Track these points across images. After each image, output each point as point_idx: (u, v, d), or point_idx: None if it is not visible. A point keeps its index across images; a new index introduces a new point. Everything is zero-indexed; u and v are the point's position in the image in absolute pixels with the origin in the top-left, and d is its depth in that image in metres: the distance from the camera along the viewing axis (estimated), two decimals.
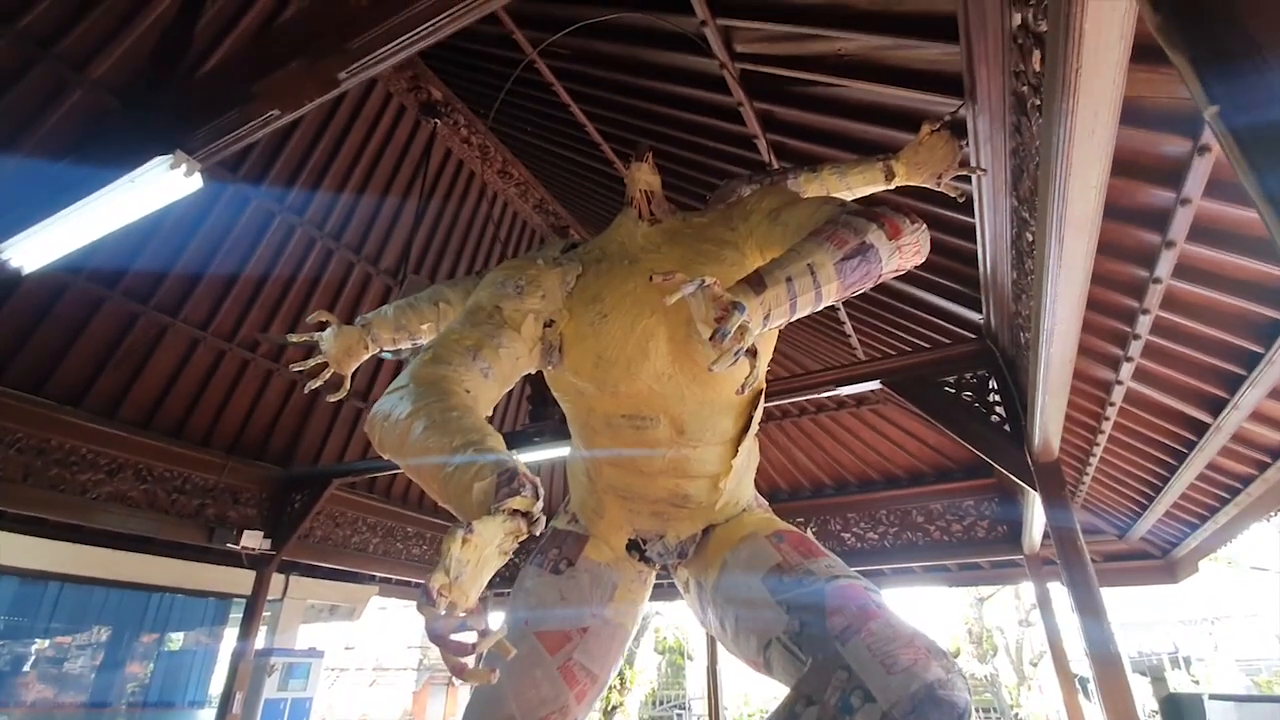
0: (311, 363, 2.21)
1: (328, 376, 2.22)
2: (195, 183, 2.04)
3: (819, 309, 1.38)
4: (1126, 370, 3.09)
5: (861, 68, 2.33)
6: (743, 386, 1.23)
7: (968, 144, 2.13)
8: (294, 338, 2.22)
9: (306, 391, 2.20)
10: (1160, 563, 6.22)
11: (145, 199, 2.11)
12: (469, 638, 0.98)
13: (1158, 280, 2.39)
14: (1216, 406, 3.12)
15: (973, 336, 3.85)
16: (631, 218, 1.85)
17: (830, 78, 2.38)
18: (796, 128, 2.83)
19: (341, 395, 2.21)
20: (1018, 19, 1.54)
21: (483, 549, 1.06)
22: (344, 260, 4.98)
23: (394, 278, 5.24)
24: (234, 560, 5.55)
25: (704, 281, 1.20)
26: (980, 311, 3.58)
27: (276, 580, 6.07)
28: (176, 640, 6.17)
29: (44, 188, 2.23)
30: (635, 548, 1.74)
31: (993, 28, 1.65)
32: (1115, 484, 5.06)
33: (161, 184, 2.05)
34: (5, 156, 2.88)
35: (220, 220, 4.33)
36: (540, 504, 1.11)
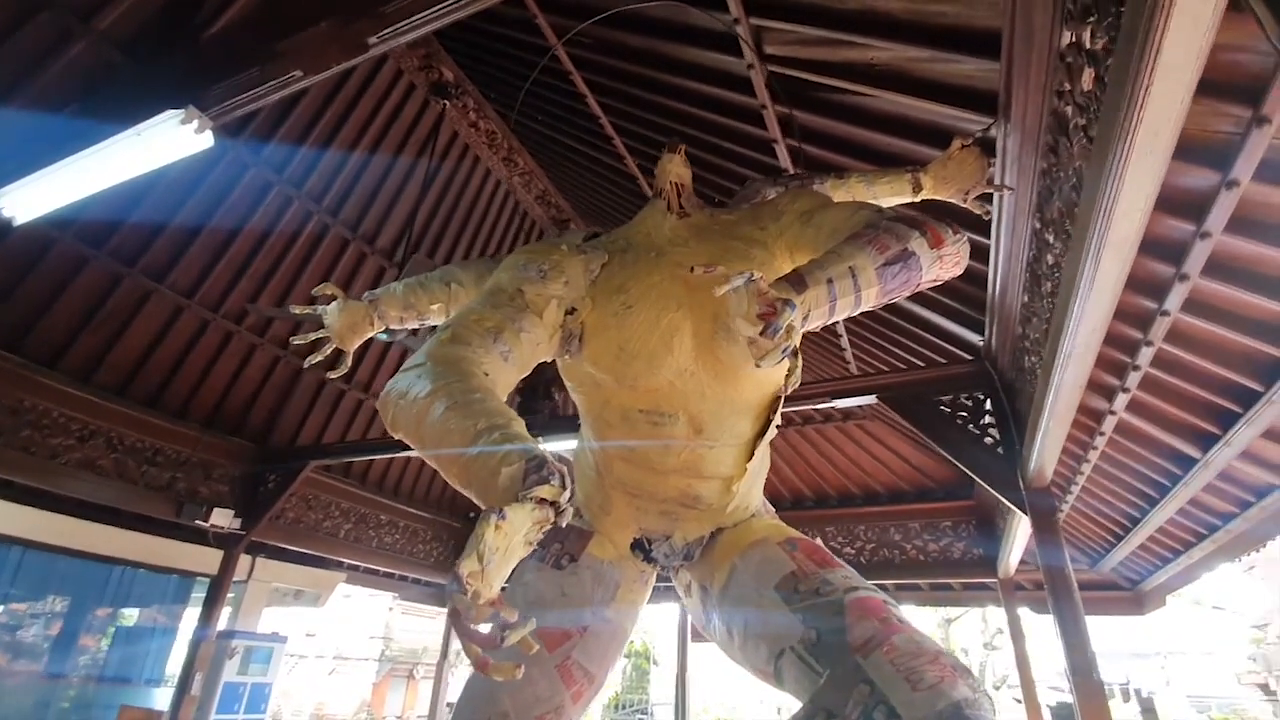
0: (313, 336, 2.15)
1: (328, 352, 2.16)
2: (205, 140, 1.96)
3: (855, 313, 1.35)
4: (1121, 400, 3.11)
5: (892, 78, 2.32)
6: (785, 385, 1.20)
7: (995, 162, 2.12)
8: (297, 309, 2.15)
9: (307, 366, 2.13)
10: (1129, 594, 6.32)
11: (151, 155, 2.02)
12: (494, 629, 0.94)
13: (1165, 313, 2.40)
14: (1208, 443, 3.14)
15: (969, 358, 3.86)
16: (660, 210, 1.82)
17: (860, 86, 2.37)
18: (819, 134, 2.82)
19: (342, 372, 2.14)
20: (1068, 37, 1.53)
21: (512, 537, 1.02)
22: (339, 237, 4.87)
23: (389, 258, 5.14)
24: (201, 538, 5.39)
25: (751, 276, 1.17)
26: (980, 333, 3.60)
27: (243, 561, 5.92)
28: (135, 616, 5.98)
29: (43, 138, 2.13)
30: (640, 547, 1.70)
31: (1039, 44, 1.64)
32: (1094, 514, 5.12)
33: (169, 140, 1.97)
34: (3, 105, 2.76)
35: (215, 186, 4.20)
36: (568, 494, 1.07)
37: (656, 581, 1.79)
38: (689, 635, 6.79)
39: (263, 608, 6.89)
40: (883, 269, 1.30)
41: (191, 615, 5.79)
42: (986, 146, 2.07)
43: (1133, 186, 1.31)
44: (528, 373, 1.61)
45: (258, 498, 5.48)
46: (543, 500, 1.05)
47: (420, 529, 7.39)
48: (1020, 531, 4.41)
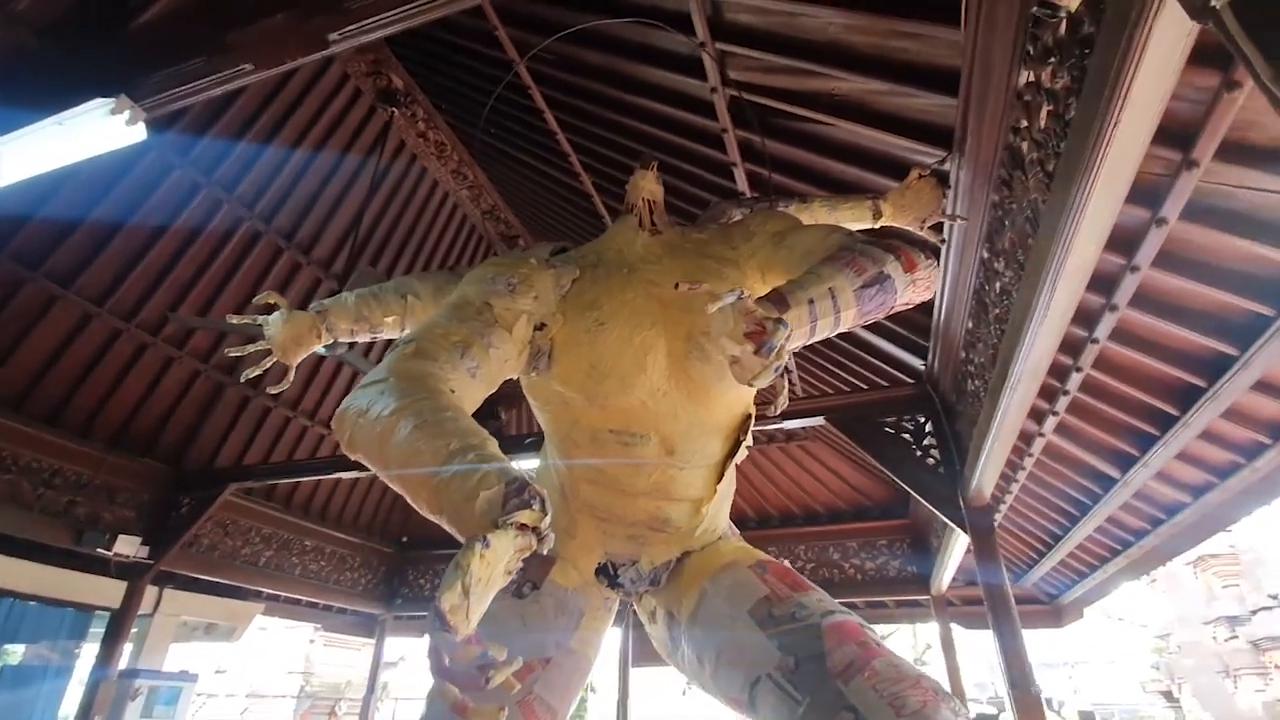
0: (252, 349, 2.01)
1: (268, 365, 2.02)
2: (138, 133, 1.80)
3: (832, 334, 1.36)
4: (1050, 423, 3.29)
5: (851, 109, 2.39)
6: (774, 407, 1.19)
7: (948, 193, 2.21)
8: (234, 319, 2.01)
9: (243, 380, 1.98)
10: (1049, 608, 6.64)
11: (74, 146, 1.84)
12: (475, 670, 0.87)
13: (1095, 340, 2.56)
14: (1127, 463, 3.35)
15: (910, 381, 4.00)
16: (631, 226, 1.80)
17: (821, 115, 2.43)
18: (777, 160, 2.87)
19: (284, 387, 2.01)
20: (1026, 77, 1.61)
21: (494, 566, 0.96)
22: (271, 245, 4.61)
23: (325, 269, 4.90)
24: (102, 568, 4.91)
25: (742, 293, 1.16)
26: (922, 357, 3.74)
27: (149, 593, 5.43)
28: (21, 653, 5.36)
29: None
30: (605, 573, 1.65)
31: (997, 83, 1.72)
32: (1020, 531, 5.38)
33: (97, 130, 1.80)
34: None
35: (136, 185, 3.90)
36: (549, 519, 1.02)
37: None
38: (630, 660, 6.67)
39: (169, 643, 6.33)
40: (860, 291, 1.32)
41: (90, 652, 5.23)
42: (941, 177, 2.16)
43: (1092, 219, 1.39)
44: (494, 390, 1.54)
45: (169, 524, 5.05)
46: (523, 526, 0.99)
47: (349, 555, 7.01)
48: (955, 549, 4.57)
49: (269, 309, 2.01)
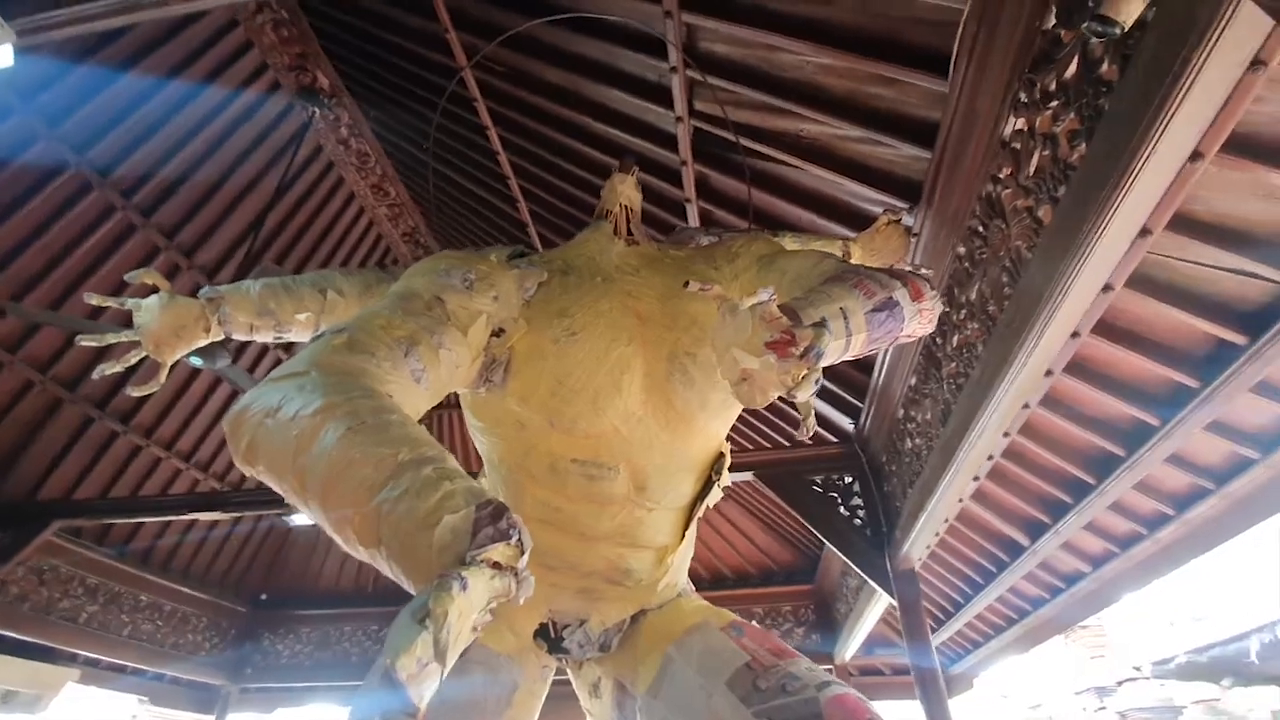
0: (115, 338, 1.63)
1: (134, 360, 1.64)
2: (3, 58, 1.42)
3: (839, 360, 1.22)
4: (970, 488, 3.33)
5: (816, 152, 2.37)
6: (804, 427, 1.02)
7: (913, 243, 2.21)
8: (96, 298, 1.62)
9: (98, 377, 1.58)
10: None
11: None
12: None
13: (1026, 406, 2.61)
14: (1038, 531, 3.42)
15: (835, 440, 3.99)
16: (605, 233, 1.63)
17: (785, 155, 2.40)
18: (731, 199, 2.82)
19: (154, 389, 1.63)
20: (1015, 124, 1.61)
21: (469, 615, 0.70)
22: (148, 242, 4.01)
23: (209, 276, 4.33)
24: None
25: (770, 294, 1.00)
26: (850, 415, 3.73)
27: None
28: None
29: None
30: (546, 635, 1.37)
31: (981, 130, 1.72)
32: (924, 599, 5.44)
33: None
34: None
35: None
36: (526, 558, 0.77)
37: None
38: None
39: None
40: (871, 315, 1.19)
41: None
42: (906, 226, 2.15)
43: (1092, 269, 1.36)
44: (437, 403, 1.28)
45: None
46: (496, 564, 0.74)
47: (193, 614, 6.01)
48: (869, 616, 4.53)
49: (147, 291, 1.64)
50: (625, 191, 1.65)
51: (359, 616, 6.66)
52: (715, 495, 1.55)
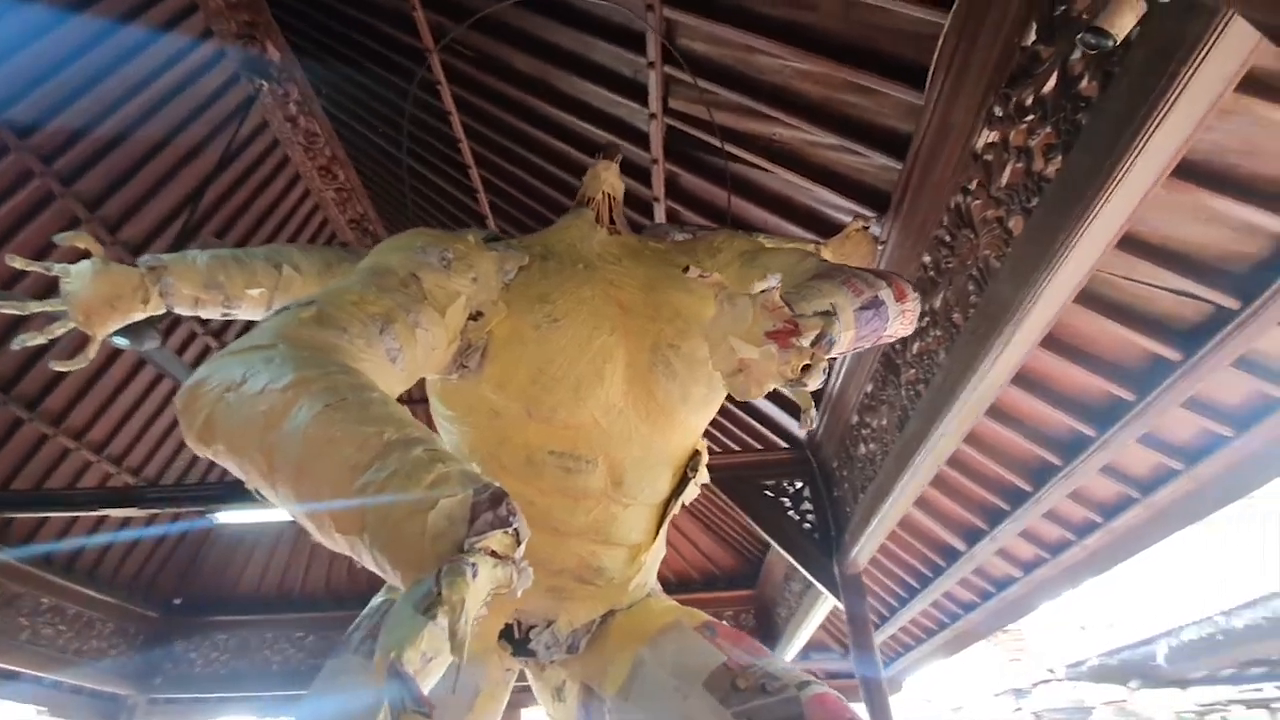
0: (39, 306, 1.49)
1: (60, 333, 1.51)
2: None
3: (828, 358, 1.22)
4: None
5: (787, 157, 2.40)
6: (807, 417, 1.01)
7: (880, 251, 2.26)
8: (20, 262, 1.49)
9: (18, 348, 1.43)
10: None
11: None
12: None
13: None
14: (975, 537, 3.55)
15: (786, 445, 4.05)
16: (588, 220, 1.60)
17: (756, 158, 2.41)
18: (699, 200, 2.82)
19: (79, 365, 1.50)
20: (989, 136, 1.66)
21: (476, 605, 0.66)
22: (67, 212, 3.67)
23: (134, 254, 4.01)
24: None
25: (777, 281, 0.99)
26: (799, 420, 3.78)
27: None
28: None
29: None
30: (510, 636, 1.32)
31: (953, 142, 1.77)
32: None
33: None
34: None
35: None
36: (523, 548, 0.73)
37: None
38: None
39: None
40: (859, 312, 1.20)
41: None
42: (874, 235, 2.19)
43: (1062, 280, 1.41)
44: (409, 387, 1.21)
45: None
46: (493, 554, 0.69)
47: (99, 619, 5.54)
48: (811, 620, 4.60)
49: (79, 255, 1.51)
50: (609, 179, 1.62)
51: (283, 623, 6.30)
52: (691, 493, 1.53)
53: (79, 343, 1.47)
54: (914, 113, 1.93)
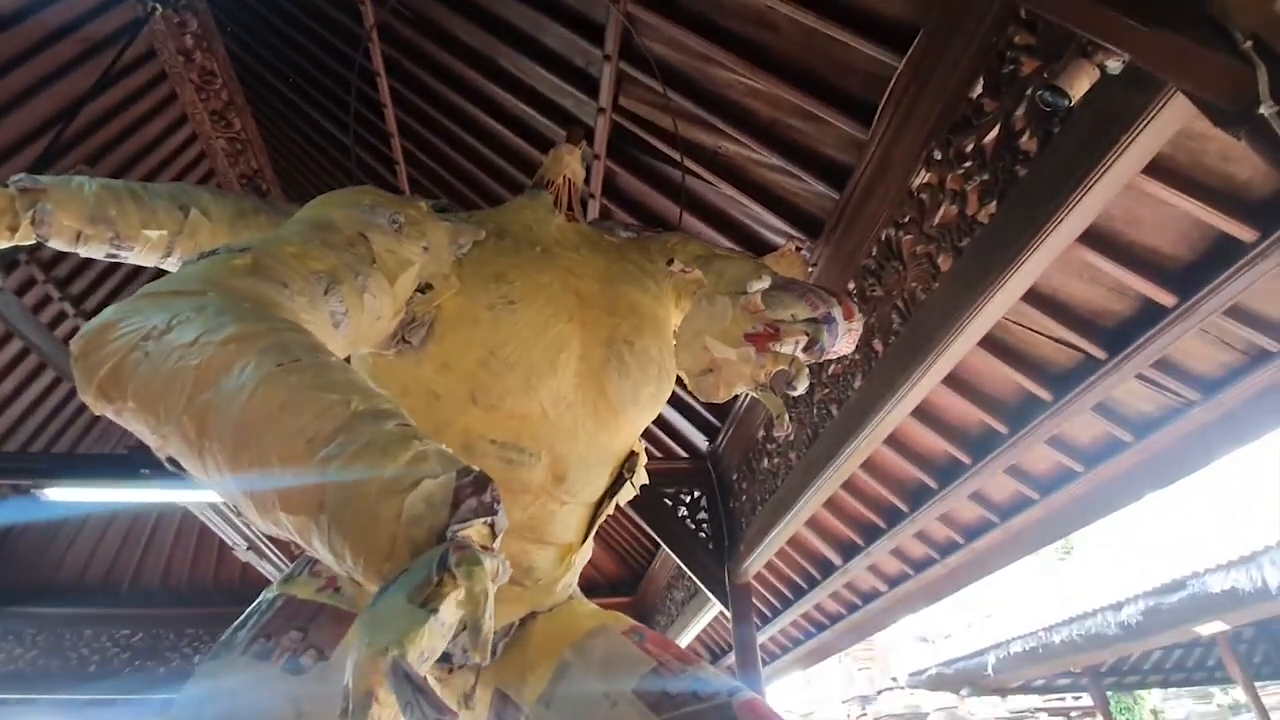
0: None
1: None
2: None
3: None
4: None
5: (729, 171, 2.45)
6: (780, 422, 1.02)
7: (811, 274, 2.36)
8: None
9: None
10: None
11: None
12: None
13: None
14: (851, 552, 3.78)
15: (686, 456, 4.12)
16: (545, 203, 1.56)
17: (699, 167, 2.44)
18: (633, 202, 2.82)
19: None
20: (925, 178, 1.79)
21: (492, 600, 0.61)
22: None
23: None
24: None
25: (766, 283, 1.00)
26: (704, 432, 3.87)
27: None
28: None
29: None
30: None
31: (890, 179, 1.89)
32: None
33: None
34: None
35: None
36: (499, 541, 0.67)
37: None
38: None
39: None
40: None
41: None
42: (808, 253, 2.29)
43: (985, 316, 1.54)
44: (348, 354, 1.12)
45: None
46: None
47: None
48: (693, 629, 4.69)
49: None
50: (572, 164, 1.58)
51: (105, 619, 5.53)
52: (626, 493, 1.50)
53: None
54: (857, 146, 2.04)
